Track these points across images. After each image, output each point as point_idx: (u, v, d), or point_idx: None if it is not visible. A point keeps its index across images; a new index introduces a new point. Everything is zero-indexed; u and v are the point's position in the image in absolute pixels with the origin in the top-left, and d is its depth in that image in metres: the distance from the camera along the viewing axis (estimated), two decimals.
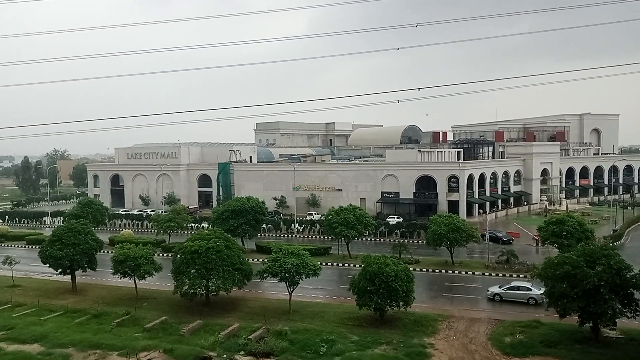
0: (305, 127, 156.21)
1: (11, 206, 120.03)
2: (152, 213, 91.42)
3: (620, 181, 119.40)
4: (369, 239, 72.21)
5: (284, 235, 78.55)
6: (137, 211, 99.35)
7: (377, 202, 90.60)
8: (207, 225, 70.96)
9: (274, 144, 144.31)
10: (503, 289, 43.72)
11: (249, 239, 66.76)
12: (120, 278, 46.14)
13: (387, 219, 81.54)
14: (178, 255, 42.57)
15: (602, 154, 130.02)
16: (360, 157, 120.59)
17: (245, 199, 67.40)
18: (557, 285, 32.96)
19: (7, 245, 74.96)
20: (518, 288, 43.77)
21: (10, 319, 40.76)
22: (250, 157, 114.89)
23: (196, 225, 79.79)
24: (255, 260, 56.58)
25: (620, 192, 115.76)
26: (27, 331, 37.36)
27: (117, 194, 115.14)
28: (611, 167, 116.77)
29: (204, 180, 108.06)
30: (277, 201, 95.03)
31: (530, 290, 42.99)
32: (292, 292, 41.26)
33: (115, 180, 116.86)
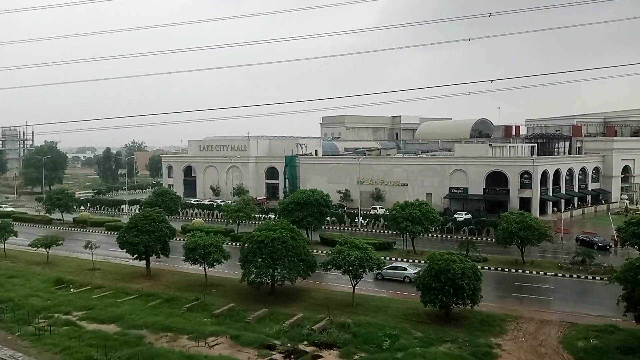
0: (371, 120, 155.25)
1: (92, 194, 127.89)
2: (222, 203, 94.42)
3: None
4: (435, 235, 70.89)
5: (347, 229, 78.71)
6: (208, 201, 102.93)
7: (444, 198, 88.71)
8: (273, 216, 72.42)
9: (339, 138, 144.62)
10: (385, 269, 46.93)
11: (314, 231, 67.45)
12: (191, 265, 47.96)
13: (455, 215, 79.60)
14: (246, 245, 43.74)
15: None
16: (428, 151, 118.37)
17: (310, 191, 68.07)
18: (638, 289, 30.96)
19: (89, 231, 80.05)
20: (396, 268, 49.77)
21: (90, 299, 43.59)
22: (316, 151, 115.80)
23: (263, 216, 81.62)
24: (319, 252, 57.09)
25: None
26: (105, 312, 39.80)
27: (190, 184, 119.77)
28: None
29: (271, 173, 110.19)
30: (342, 194, 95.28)
31: (406, 270, 48.41)
32: (355, 285, 41.35)
33: (188, 171, 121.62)
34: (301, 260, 42.43)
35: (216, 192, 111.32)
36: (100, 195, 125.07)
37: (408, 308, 40.04)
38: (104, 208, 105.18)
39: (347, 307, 40.41)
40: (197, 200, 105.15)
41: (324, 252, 52.71)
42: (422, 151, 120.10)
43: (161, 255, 52.39)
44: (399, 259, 56.98)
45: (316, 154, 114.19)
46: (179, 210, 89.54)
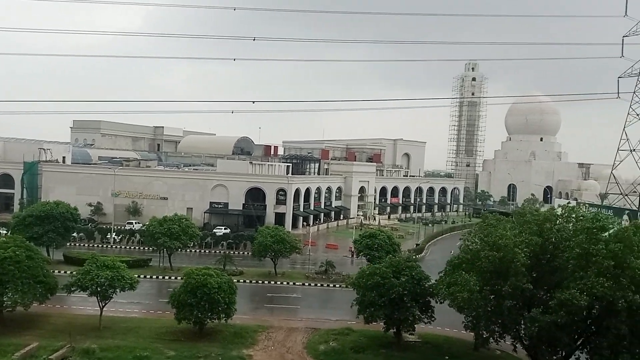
0: (131, 129, 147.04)
1: None
2: None
3: (424, 201, 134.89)
4: (193, 250, 70.31)
5: (98, 246, 72.31)
6: None
7: (204, 212, 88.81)
8: (5, 232, 62.22)
9: (93, 145, 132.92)
10: None
11: (57, 249, 60.15)
12: None
13: (214, 230, 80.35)
14: None
15: (410, 176, 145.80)
16: (190, 165, 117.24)
17: (53, 203, 60.58)
18: (368, 294, 35.73)
19: None
20: None
21: None
22: (64, 158, 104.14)
23: None
24: (63, 272, 51.23)
25: (424, 211, 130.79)
26: None
27: None
28: (417, 188, 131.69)
29: (5, 181, 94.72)
30: (93, 208, 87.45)
31: None
32: (103, 307, 38.12)
33: None
34: (39, 282, 37.32)
35: None
36: None
37: (161, 327, 38.66)
38: None
39: (94, 331, 37.00)
40: None
41: (69, 272, 47.55)
42: (184, 164, 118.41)
43: None
44: (155, 277, 54.72)
45: (64, 162, 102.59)
46: None
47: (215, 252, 69.95)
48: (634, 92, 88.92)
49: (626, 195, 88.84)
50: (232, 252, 68.70)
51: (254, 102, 34.28)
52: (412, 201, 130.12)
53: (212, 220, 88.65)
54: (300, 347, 36.31)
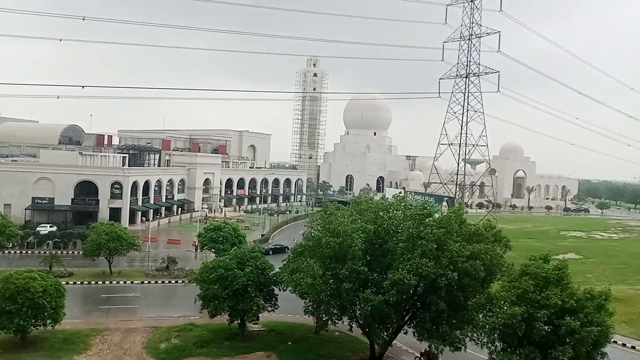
0: None
1: None
2: None
3: (270, 192, 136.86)
4: (13, 251, 62.49)
5: None
6: None
7: (26, 209, 79.23)
8: None
9: None
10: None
11: None
12: None
13: (38, 228, 72.25)
14: None
15: (256, 167, 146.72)
16: (7, 156, 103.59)
17: None
18: (211, 288, 35.14)
19: None
20: None
21: None
22: None
23: None
24: None
25: (269, 202, 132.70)
26: None
27: None
28: (263, 179, 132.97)
29: None
30: None
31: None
32: None
33: None
34: None
35: None
36: None
37: None
38: None
39: None
40: None
41: None
42: (0, 156, 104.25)
43: None
44: None
45: None
46: None
47: (39, 252, 62.80)
48: (452, 93, 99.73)
49: (445, 184, 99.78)
50: (59, 252, 62.34)
51: (83, 86, 31.47)
52: (259, 192, 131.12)
53: (35, 218, 79.58)
54: (140, 348, 34.44)
